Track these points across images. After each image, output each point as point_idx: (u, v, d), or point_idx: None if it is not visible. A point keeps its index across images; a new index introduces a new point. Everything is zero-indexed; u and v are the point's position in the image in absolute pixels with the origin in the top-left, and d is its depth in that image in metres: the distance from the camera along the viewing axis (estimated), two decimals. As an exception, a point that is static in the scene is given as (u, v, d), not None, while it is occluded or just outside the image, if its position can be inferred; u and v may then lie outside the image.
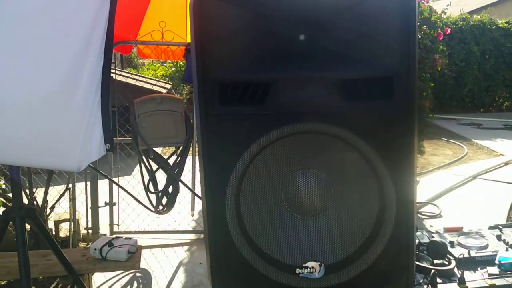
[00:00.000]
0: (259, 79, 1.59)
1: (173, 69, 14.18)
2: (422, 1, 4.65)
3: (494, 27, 12.66)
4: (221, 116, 1.61)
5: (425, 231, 2.50)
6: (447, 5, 10.68)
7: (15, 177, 2.31)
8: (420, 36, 4.52)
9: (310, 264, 1.65)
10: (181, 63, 12.50)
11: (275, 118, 1.61)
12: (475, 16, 13.30)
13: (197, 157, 4.11)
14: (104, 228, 4.18)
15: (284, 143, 1.63)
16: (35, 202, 3.65)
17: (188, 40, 4.09)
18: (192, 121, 3.22)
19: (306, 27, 1.58)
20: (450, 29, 5.80)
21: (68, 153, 2.02)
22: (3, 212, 2.33)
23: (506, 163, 6.65)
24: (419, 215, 4.64)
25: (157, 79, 11.06)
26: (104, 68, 2.01)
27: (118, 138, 4.35)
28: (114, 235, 3.61)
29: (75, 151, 2.01)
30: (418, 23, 4.52)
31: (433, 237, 2.41)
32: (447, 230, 2.55)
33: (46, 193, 3.66)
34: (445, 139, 8.78)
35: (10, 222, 2.35)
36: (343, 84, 1.60)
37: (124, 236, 3.23)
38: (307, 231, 1.70)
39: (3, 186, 3.44)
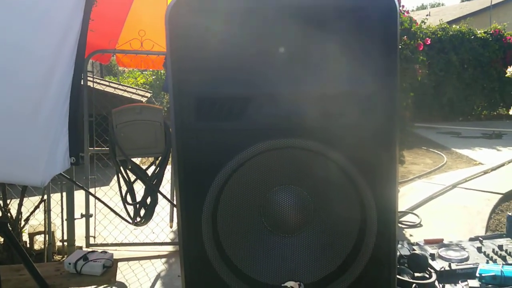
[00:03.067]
0: (236, 94, 1.55)
1: (153, 77, 14.12)
2: (403, 12, 4.69)
3: (473, 37, 12.88)
4: (197, 131, 1.57)
5: (405, 243, 2.47)
6: (427, 15, 10.86)
7: (-15, 190, 2.23)
8: (400, 47, 4.55)
9: (289, 283, 1.60)
10: (161, 71, 12.44)
11: (253, 133, 1.57)
12: (454, 26, 13.52)
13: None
14: (80, 241, 4.08)
15: (262, 158, 1.59)
16: (8, 214, 3.55)
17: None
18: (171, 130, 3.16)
19: (284, 40, 1.54)
20: (430, 40, 5.85)
21: (32, 167, 1.96)
22: (-29, 227, 2.25)
23: (485, 172, 6.72)
24: (399, 225, 4.64)
25: (137, 87, 10.97)
26: (74, 78, 1.96)
27: (95, 148, 4.27)
28: (90, 249, 3.53)
29: (39, 165, 1.95)
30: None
31: (413, 249, 2.39)
32: (428, 242, 2.52)
33: (20, 204, 3.56)
34: (425, 148, 8.86)
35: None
36: (322, 99, 1.57)
37: (100, 249, 3.14)
38: (286, 248, 1.66)
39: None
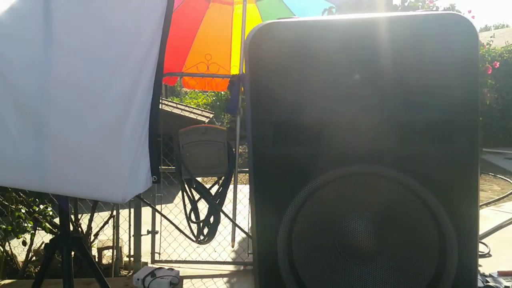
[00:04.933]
0: (312, 120, 1.56)
1: (214, 98, 14.42)
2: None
3: (542, 58, 12.26)
4: (274, 157, 1.59)
5: (478, 274, 2.38)
6: (491, 37, 10.45)
7: (63, 205, 2.36)
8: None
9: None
10: (222, 92, 12.70)
11: (329, 159, 1.57)
12: (521, 47, 12.94)
13: (239, 188, 4.13)
14: (145, 256, 4.20)
15: (338, 185, 1.58)
16: (79, 229, 3.72)
17: (232, 72, 4.15)
18: (234, 151, 3.23)
19: (362, 66, 1.55)
20: (498, 63, 5.64)
21: (115, 185, 2.05)
22: (50, 241, 2.38)
23: (559, 199, 6.34)
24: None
25: (198, 107, 11.25)
26: (153, 100, 2.04)
27: (162, 167, 4.40)
28: (157, 265, 3.62)
29: (121, 183, 2.05)
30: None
31: (487, 281, 2.30)
32: (502, 273, 2.42)
33: (91, 220, 3.72)
34: (492, 174, 8.46)
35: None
36: (401, 125, 1.55)
37: (167, 266, 3.23)
38: (361, 276, 1.63)
39: (50, 213, 3.52)
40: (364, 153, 1.57)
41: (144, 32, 1.98)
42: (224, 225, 3.97)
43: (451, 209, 1.56)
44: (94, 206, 3.69)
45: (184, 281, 3.73)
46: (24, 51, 2.09)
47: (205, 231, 3.25)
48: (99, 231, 3.81)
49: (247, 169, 4.81)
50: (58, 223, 3.58)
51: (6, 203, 3.46)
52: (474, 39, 1.52)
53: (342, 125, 1.56)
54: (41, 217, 3.48)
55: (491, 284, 2.18)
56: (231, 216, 4.07)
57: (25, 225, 3.33)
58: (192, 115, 6.42)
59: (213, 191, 3.21)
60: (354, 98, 1.56)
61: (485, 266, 4.12)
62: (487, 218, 5.59)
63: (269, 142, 1.58)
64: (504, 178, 8.12)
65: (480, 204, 6.28)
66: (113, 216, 3.82)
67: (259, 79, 1.56)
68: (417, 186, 1.56)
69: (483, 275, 2.38)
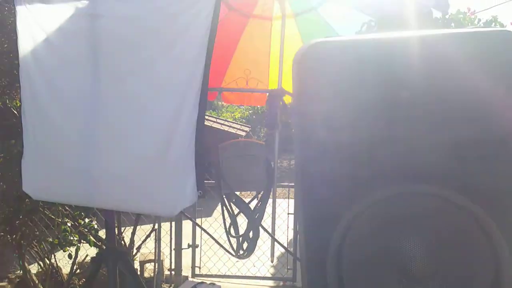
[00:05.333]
0: (363, 139, 1.55)
1: (250, 111, 14.50)
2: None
3: None
4: (322, 176, 1.58)
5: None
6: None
7: (109, 220, 2.42)
8: None
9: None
10: (258, 106, 12.76)
11: (380, 178, 1.55)
12: None
13: (277, 202, 4.13)
14: (186, 270, 4.24)
15: (390, 204, 1.55)
16: (122, 242, 3.79)
17: (271, 86, 4.17)
18: (273, 165, 3.24)
19: (413, 85, 1.53)
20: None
21: (164, 199, 2.13)
22: (97, 254, 2.45)
23: None
24: None
25: (235, 121, 11.33)
26: (199, 114, 2.10)
27: (202, 181, 4.44)
28: (198, 279, 3.65)
29: (170, 197, 2.12)
30: None
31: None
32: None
33: (133, 233, 3.79)
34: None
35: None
36: (457, 144, 1.52)
37: (207, 280, 3.25)
38: (414, 299, 1.59)
39: (95, 226, 3.61)
40: (415, 173, 1.54)
41: (190, 51, 2.04)
42: (263, 239, 3.96)
43: (505, 229, 1.52)
44: (137, 220, 3.75)
45: (224, 295, 3.75)
46: (74, 67, 2.19)
47: (245, 245, 3.26)
48: (141, 244, 3.87)
49: (286, 184, 4.80)
50: (102, 237, 3.68)
51: (52, 216, 3.56)
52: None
53: (393, 145, 1.54)
54: (86, 230, 3.56)
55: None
56: (270, 230, 4.07)
57: (71, 238, 3.42)
58: (231, 130, 6.48)
59: (252, 205, 3.22)
60: (405, 118, 1.54)
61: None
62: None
63: (317, 159, 1.58)
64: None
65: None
66: (155, 230, 3.88)
67: (307, 97, 1.57)
68: (470, 205, 1.52)
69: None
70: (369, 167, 1.54)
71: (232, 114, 14.97)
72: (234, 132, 6.43)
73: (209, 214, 4.89)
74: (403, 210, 1.56)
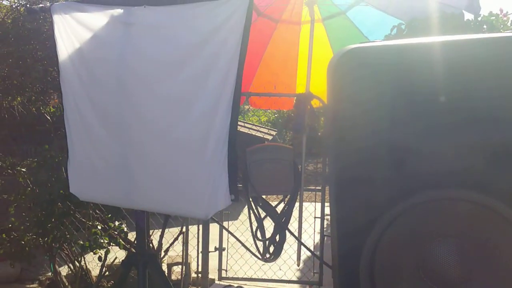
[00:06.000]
0: (399, 142, 1.54)
1: (276, 115, 14.51)
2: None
3: None
4: (356, 180, 1.58)
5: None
6: None
7: (140, 222, 2.46)
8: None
9: None
10: (284, 110, 12.75)
11: (415, 183, 1.54)
12: None
13: (304, 205, 4.12)
14: (213, 273, 4.26)
15: (424, 209, 1.54)
16: (151, 245, 3.84)
17: (298, 90, 4.18)
18: (300, 169, 3.24)
19: (452, 90, 1.52)
20: None
21: (198, 201, 2.17)
22: (126, 257, 2.48)
23: None
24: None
25: (261, 124, 11.36)
26: (232, 120, 2.12)
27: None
28: (225, 282, 3.67)
29: (204, 200, 2.16)
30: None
31: None
32: None
33: (161, 236, 3.83)
34: None
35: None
36: (492, 149, 1.50)
37: (234, 283, 3.26)
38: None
39: (125, 229, 3.66)
40: (451, 178, 1.53)
41: (223, 54, 2.08)
42: (290, 243, 3.97)
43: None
44: (165, 223, 3.79)
45: (251, 298, 3.76)
46: (108, 72, 2.26)
47: (271, 249, 3.26)
48: (169, 247, 3.91)
49: (313, 187, 4.79)
50: (132, 239, 3.74)
51: (83, 219, 3.64)
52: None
53: (428, 150, 1.53)
54: (115, 233, 3.62)
55: None
56: (296, 234, 4.06)
57: (101, 241, 3.48)
58: (258, 134, 6.50)
59: (279, 209, 3.23)
60: (442, 122, 1.53)
61: None
62: None
63: (352, 164, 1.58)
64: None
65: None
66: (183, 233, 3.91)
67: (343, 103, 1.57)
68: (506, 210, 1.50)
69: None
70: (403, 173, 1.54)
71: (258, 118, 15.00)
72: (261, 136, 6.45)
73: (235, 217, 4.92)
74: (437, 216, 1.55)
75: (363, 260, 1.57)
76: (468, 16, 3.46)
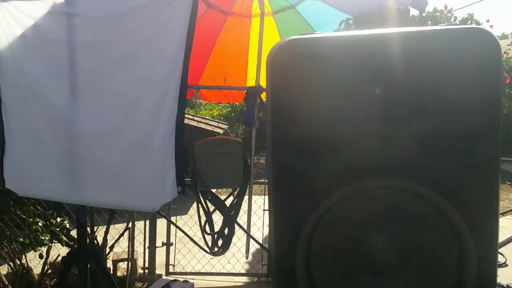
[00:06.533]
0: (334, 134, 1.56)
1: (228, 109, 14.47)
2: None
3: (560, 66, 12.11)
4: (294, 169, 1.59)
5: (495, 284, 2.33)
6: (508, 45, 10.34)
7: (80, 218, 2.38)
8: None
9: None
10: (236, 104, 12.73)
11: (350, 172, 1.57)
12: (539, 55, 12.78)
13: (253, 198, 4.12)
14: (160, 268, 4.19)
15: (358, 198, 1.58)
16: (95, 241, 3.72)
17: (248, 84, 4.16)
18: (249, 162, 3.23)
19: (382, 82, 1.55)
20: (516, 73, 5.60)
21: (145, 194, 2.17)
22: (67, 254, 2.40)
23: None
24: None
25: (213, 119, 11.29)
26: (179, 113, 2.12)
27: (177, 178, 4.40)
28: (172, 277, 3.61)
29: (151, 193, 2.16)
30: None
31: (506, 293, 2.25)
32: (520, 285, 2.37)
33: (106, 232, 3.73)
34: (509, 183, 8.35)
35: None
36: (422, 140, 1.55)
37: (181, 278, 3.22)
38: (380, 289, 1.61)
39: (67, 226, 3.54)
40: (384, 167, 1.56)
41: (169, 49, 2.06)
42: (239, 236, 3.96)
43: (471, 221, 1.55)
44: (110, 218, 3.69)
45: (199, 293, 3.72)
46: (52, 65, 2.17)
47: (220, 242, 3.24)
48: (114, 243, 3.81)
49: (262, 181, 4.80)
50: (75, 236, 3.61)
51: (23, 216, 3.48)
52: (496, 53, 1.52)
53: (361, 139, 1.56)
54: (58, 230, 3.49)
55: (509, 294, 2.14)
56: (245, 227, 4.06)
57: (42, 238, 3.34)
58: (208, 127, 6.44)
59: (228, 202, 3.21)
60: (374, 113, 1.55)
61: (501, 277, 4.04)
62: (503, 227, 5.45)
63: (289, 154, 1.58)
64: (522, 187, 8.02)
65: (497, 215, 6.21)
66: (129, 228, 3.82)
67: (280, 94, 1.57)
68: (436, 198, 1.54)
69: (499, 285, 2.34)
70: (340, 162, 1.56)
71: (210, 112, 14.89)
72: (211, 129, 6.39)
73: (184, 212, 4.85)
74: (372, 204, 1.58)
75: (299, 246, 1.59)
76: (414, 12, 3.54)
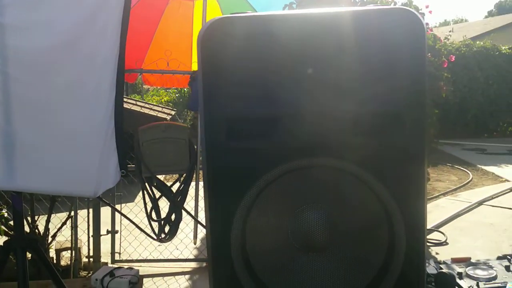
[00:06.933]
0: (266, 114, 1.57)
1: (177, 95, 14.30)
2: (426, 29, 4.66)
3: (497, 53, 12.72)
4: (227, 150, 1.59)
5: (432, 261, 2.44)
6: (450, 31, 10.75)
7: (16, 206, 2.30)
8: (424, 64, 4.53)
9: (318, 302, 1.60)
10: (185, 89, 12.59)
11: (283, 152, 1.58)
12: (478, 42, 13.38)
13: (200, 184, 4.11)
14: (105, 257, 4.13)
15: (292, 177, 1.60)
16: (36, 231, 3.62)
17: (193, 68, 4.12)
18: (196, 148, 3.21)
19: (313, 62, 1.57)
20: (454, 57, 5.83)
21: (86, 180, 2.12)
22: (4, 243, 2.31)
23: (512, 189, 6.59)
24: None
25: (161, 105, 11.12)
26: (117, 97, 2.10)
27: (121, 165, 4.32)
28: (116, 265, 3.57)
29: (92, 178, 2.12)
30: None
31: (441, 268, 2.36)
32: (455, 260, 2.49)
33: (48, 221, 3.63)
34: (450, 164, 8.74)
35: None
36: (352, 119, 1.58)
37: (126, 266, 3.18)
38: (314, 268, 1.65)
39: (5, 215, 3.41)
40: (316, 146, 1.59)
41: (106, 30, 2.03)
42: (186, 222, 3.95)
43: (400, 200, 1.61)
44: (51, 207, 3.59)
45: (146, 280, 3.69)
46: None
47: (167, 229, 3.23)
48: (56, 232, 3.72)
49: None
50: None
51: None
52: (420, 33, 1.56)
53: (294, 119, 1.58)
54: (-5, 219, 3.37)
55: (444, 270, 2.25)
56: (193, 213, 4.05)
57: (-21, 227, 3.21)
58: (152, 112, 6.34)
59: (175, 188, 3.19)
60: (306, 92, 1.57)
61: (442, 254, 4.25)
62: (444, 207, 5.77)
63: (222, 135, 1.58)
64: (461, 168, 8.40)
65: (438, 194, 6.48)
66: (71, 217, 3.73)
67: (211, 73, 1.57)
68: (365, 176, 1.59)
69: (438, 262, 2.45)
70: (274, 142, 1.58)
71: (159, 98, 14.65)
72: (155, 115, 6.30)
73: (130, 199, 4.78)
74: (305, 184, 1.61)
75: (234, 227, 1.60)
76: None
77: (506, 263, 2.43)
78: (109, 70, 2.05)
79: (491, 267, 2.38)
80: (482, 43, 13.14)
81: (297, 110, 1.57)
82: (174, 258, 4.27)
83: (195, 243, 4.47)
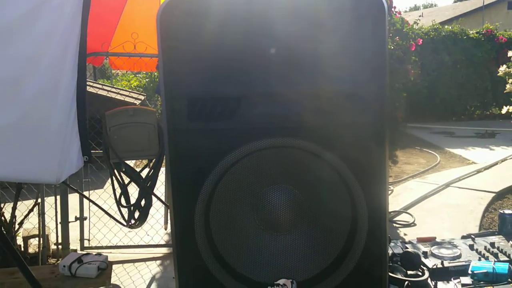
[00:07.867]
0: (228, 94, 1.56)
1: (147, 80, 14.09)
2: (394, 13, 4.70)
3: (465, 37, 12.92)
4: (190, 131, 1.58)
5: (398, 241, 2.49)
6: (419, 16, 10.89)
7: (-22, 193, 2.23)
8: (392, 47, 4.58)
9: (282, 281, 1.61)
10: (155, 74, 12.42)
11: (245, 133, 1.58)
12: (446, 26, 13.57)
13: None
14: (74, 244, 4.08)
15: (254, 158, 1.60)
16: (2, 218, 3.54)
17: (161, 51, 4.06)
18: (165, 133, 3.17)
19: (276, 41, 1.56)
20: (422, 40, 5.89)
21: (47, 166, 2.05)
22: (-35, 231, 2.25)
23: (478, 171, 6.76)
24: (393, 224, 4.66)
25: (130, 90, 10.93)
26: (79, 81, 2.04)
27: (89, 151, 4.25)
28: (84, 251, 3.52)
29: (54, 164, 2.05)
30: (391, 35, 4.58)
31: (406, 247, 2.41)
32: (420, 240, 2.55)
33: (14, 208, 3.55)
34: (418, 147, 8.89)
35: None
36: (314, 98, 1.58)
37: (95, 252, 3.14)
38: (279, 247, 1.67)
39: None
40: (280, 126, 1.59)
41: (62, 17, 1.93)
42: (157, 208, 3.92)
43: (362, 180, 1.62)
44: (17, 194, 3.50)
45: (116, 266, 3.66)
46: None
47: (137, 215, 3.19)
48: (23, 219, 3.64)
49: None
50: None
51: None
52: (381, 14, 1.56)
53: (257, 99, 1.57)
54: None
55: (409, 250, 2.29)
56: (163, 198, 4.02)
57: None
58: (119, 97, 6.21)
59: (144, 174, 3.15)
60: (269, 72, 1.57)
61: (410, 235, 4.34)
62: (413, 189, 5.87)
63: (184, 116, 1.57)
64: (429, 151, 8.56)
65: (406, 176, 6.60)
66: (38, 204, 3.66)
67: (171, 52, 1.54)
68: (331, 157, 1.60)
69: (404, 242, 2.50)
70: (234, 122, 1.57)
71: (129, 83, 14.40)
72: (122, 99, 6.18)
73: (99, 186, 4.71)
74: (269, 164, 1.61)
75: (198, 208, 1.59)
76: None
77: (470, 242, 2.49)
78: (70, 52, 1.99)
79: (456, 246, 2.44)
80: (450, 27, 13.33)
81: (259, 90, 1.56)
82: (144, 244, 4.24)
83: (165, 229, 4.44)
